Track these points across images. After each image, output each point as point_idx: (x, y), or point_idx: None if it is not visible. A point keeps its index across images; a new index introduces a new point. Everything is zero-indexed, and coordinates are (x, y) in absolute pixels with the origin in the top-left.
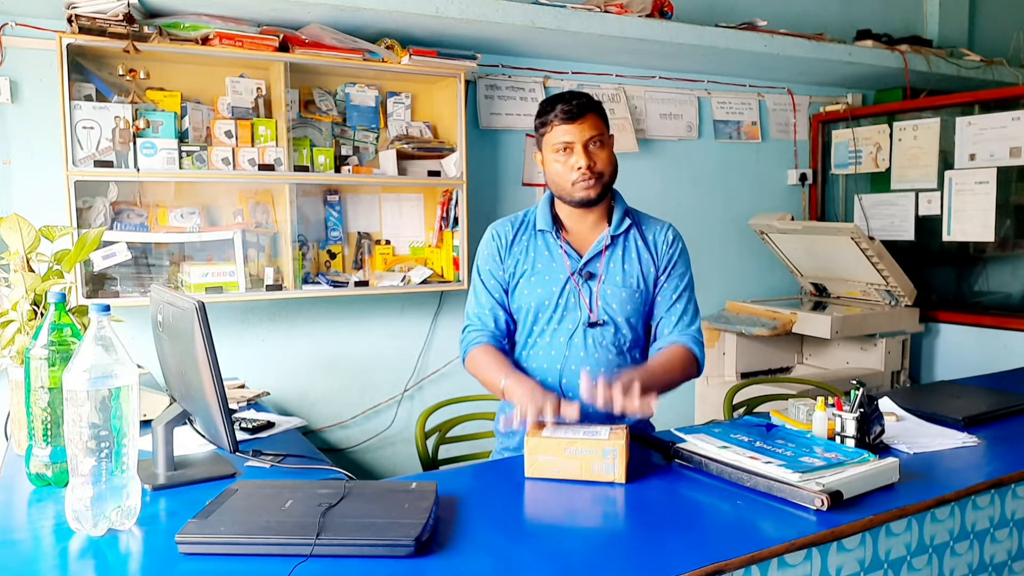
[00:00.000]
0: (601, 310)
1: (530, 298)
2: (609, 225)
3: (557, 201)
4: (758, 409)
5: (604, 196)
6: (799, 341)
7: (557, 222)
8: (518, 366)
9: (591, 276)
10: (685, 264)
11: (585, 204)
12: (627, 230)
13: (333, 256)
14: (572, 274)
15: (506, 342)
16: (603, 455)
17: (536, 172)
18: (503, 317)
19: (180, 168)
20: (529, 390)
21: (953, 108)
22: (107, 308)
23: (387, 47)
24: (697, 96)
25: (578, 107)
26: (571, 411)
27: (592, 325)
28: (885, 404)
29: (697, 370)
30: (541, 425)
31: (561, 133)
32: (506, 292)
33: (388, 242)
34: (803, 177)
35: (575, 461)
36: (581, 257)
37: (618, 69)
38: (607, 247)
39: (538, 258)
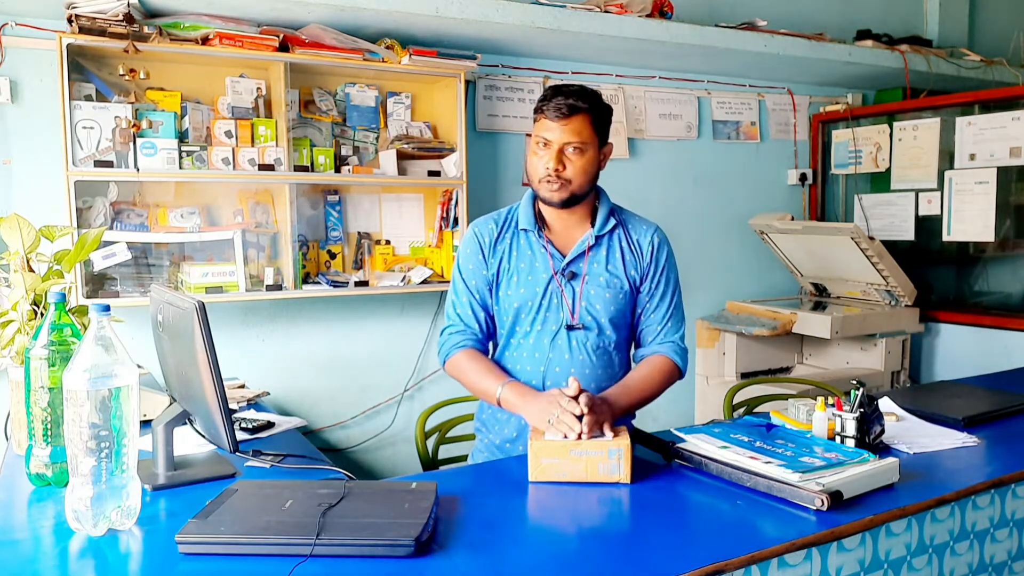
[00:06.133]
0: (584, 311)
1: (513, 298)
2: (593, 225)
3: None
4: (758, 409)
5: (573, 202)
6: (799, 341)
7: (540, 221)
8: (501, 367)
9: (574, 276)
10: (671, 268)
11: (551, 205)
12: (612, 230)
13: (333, 256)
14: (555, 274)
15: (488, 344)
16: (608, 455)
17: None
18: (484, 318)
19: (180, 168)
20: (537, 408)
21: (953, 108)
22: (107, 308)
23: (387, 47)
24: (697, 96)
25: (569, 107)
26: (578, 400)
27: (572, 328)
28: (885, 404)
29: (679, 377)
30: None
31: (544, 128)
32: (489, 292)
33: (388, 242)
34: (803, 177)
35: (580, 463)
36: (564, 257)
37: (618, 69)
38: (591, 247)
39: (521, 258)
